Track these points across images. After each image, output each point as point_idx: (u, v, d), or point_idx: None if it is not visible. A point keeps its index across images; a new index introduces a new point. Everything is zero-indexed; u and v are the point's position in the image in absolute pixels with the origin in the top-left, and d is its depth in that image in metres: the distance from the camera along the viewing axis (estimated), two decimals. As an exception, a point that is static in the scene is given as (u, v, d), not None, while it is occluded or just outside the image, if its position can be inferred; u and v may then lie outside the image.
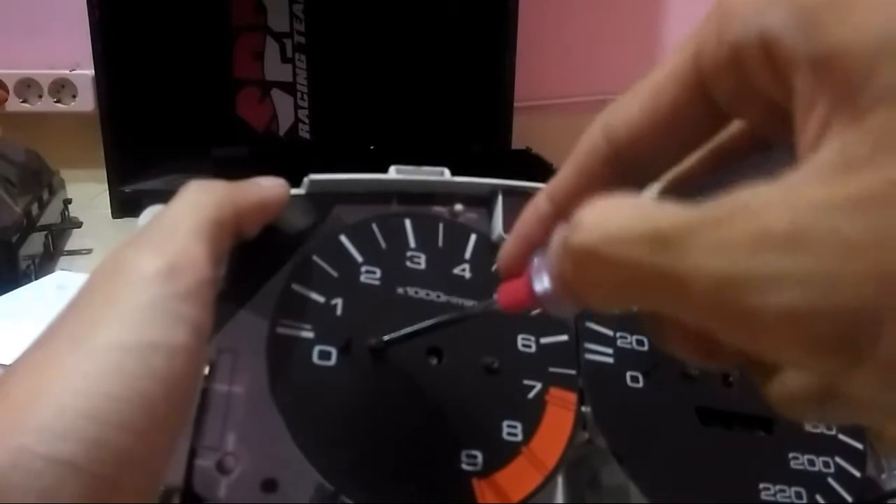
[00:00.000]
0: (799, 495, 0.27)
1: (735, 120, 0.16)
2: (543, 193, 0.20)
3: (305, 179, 0.27)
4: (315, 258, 0.26)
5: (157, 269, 0.19)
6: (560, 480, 0.24)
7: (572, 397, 0.26)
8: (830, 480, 0.27)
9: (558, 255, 0.15)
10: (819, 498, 0.27)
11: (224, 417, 0.22)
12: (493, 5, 0.94)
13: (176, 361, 0.18)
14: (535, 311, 0.25)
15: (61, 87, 0.96)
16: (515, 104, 0.97)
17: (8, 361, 0.39)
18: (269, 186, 0.25)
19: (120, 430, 0.17)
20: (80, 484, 0.16)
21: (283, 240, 0.25)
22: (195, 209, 0.22)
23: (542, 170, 0.90)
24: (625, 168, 0.17)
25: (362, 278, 0.26)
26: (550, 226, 0.18)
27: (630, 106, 0.17)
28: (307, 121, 1.01)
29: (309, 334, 0.24)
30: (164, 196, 0.82)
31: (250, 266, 0.23)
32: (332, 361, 0.24)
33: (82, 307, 0.20)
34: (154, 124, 0.94)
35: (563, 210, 0.18)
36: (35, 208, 0.72)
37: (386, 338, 0.25)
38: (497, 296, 0.19)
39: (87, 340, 0.18)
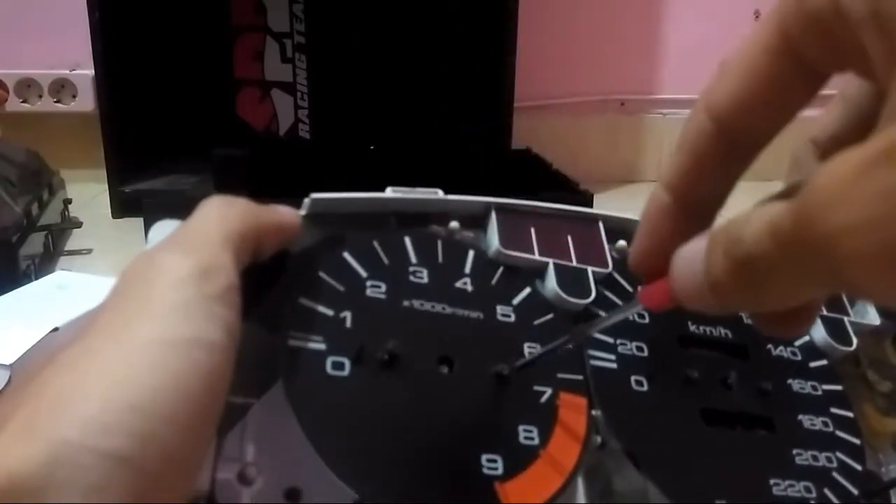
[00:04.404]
0: (808, 490, 0.27)
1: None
2: (660, 185, 0.20)
3: (306, 200, 0.27)
4: (321, 274, 0.26)
5: (191, 270, 0.19)
6: (580, 482, 0.25)
7: (583, 401, 0.26)
8: (835, 475, 0.28)
9: (714, 262, 0.16)
10: (827, 491, 0.27)
11: (242, 429, 0.22)
12: (493, 6, 0.94)
13: (214, 357, 0.18)
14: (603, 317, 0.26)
15: (61, 87, 0.96)
16: (515, 104, 0.97)
17: (8, 361, 0.39)
18: (285, 212, 0.25)
19: (166, 423, 0.17)
20: (127, 479, 0.16)
21: (288, 258, 0.26)
22: (222, 220, 0.22)
23: (542, 170, 0.90)
24: (732, 143, 0.18)
25: (368, 292, 0.26)
26: (674, 216, 0.19)
27: (728, 82, 0.18)
28: (307, 121, 1.02)
29: (321, 346, 0.24)
30: (165, 196, 0.81)
31: (257, 283, 0.24)
32: (346, 372, 0.24)
33: (118, 305, 0.19)
34: (154, 124, 0.94)
35: (682, 198, 0.19)
36: (35, 208, 0.72)
37: (518, 363, 0.25)
38: (640, 297, 0.20)
39: (127, 335, 0.18)
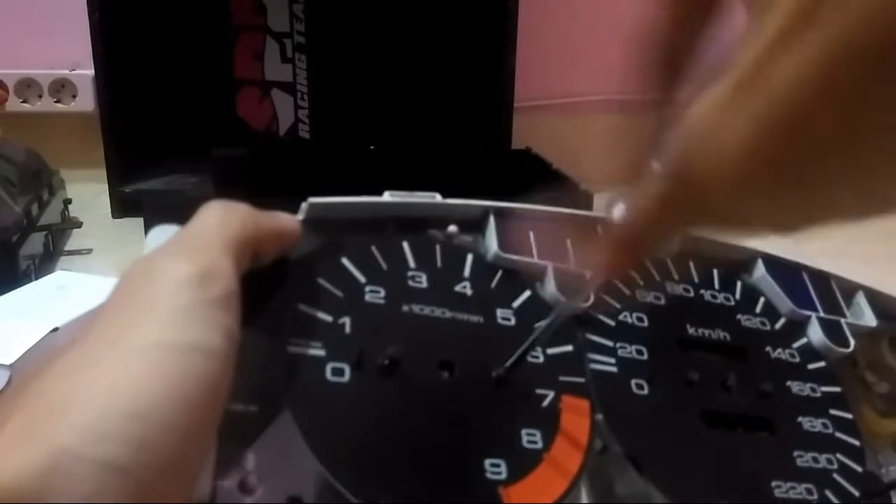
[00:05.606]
0: (809, 491, 0.27)
1: None
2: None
3: (304, 204, 0.27)
4: (320, 280, 0.26)
5: (191, 275, 0.19)
6: (584, 485, 0.25)
7: (585, 404, 0.26)
8: (835, 476, 0.28)
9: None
10: (828, 493, 0.27)
11: (243, 437, 0.22)
12: (493, 5, 0.94)
13: (213, 364, 0.18)
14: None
15: (61, 87, 0.96)
16: (515, 104, 0.97)
17: (8, 361, 0.39)
18: (286, 218, 0.25)
19: (164, 430, 0.17)
20: (124, 487, 0.16)
21: (286, 264, 0.26)
22: (222, 226, 0.22)
23: (542, 170, 0.90)
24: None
25: (367, 297, 0.26)
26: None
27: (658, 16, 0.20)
28: (307, 121, 1.01)
29: (320, 352, 0.24)
30: (165, 196, 0.81)
31: (257, 289, 0.24)
32: (346, 378, 0.24)
33: (117, 309, 0.19)
34: (154, 124, 0.94)
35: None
36: (35, 208, 0.72)
37: (507, 364, 0.26)
38: (592, 261, 0.22)
39: (126, 340, 0.18)
